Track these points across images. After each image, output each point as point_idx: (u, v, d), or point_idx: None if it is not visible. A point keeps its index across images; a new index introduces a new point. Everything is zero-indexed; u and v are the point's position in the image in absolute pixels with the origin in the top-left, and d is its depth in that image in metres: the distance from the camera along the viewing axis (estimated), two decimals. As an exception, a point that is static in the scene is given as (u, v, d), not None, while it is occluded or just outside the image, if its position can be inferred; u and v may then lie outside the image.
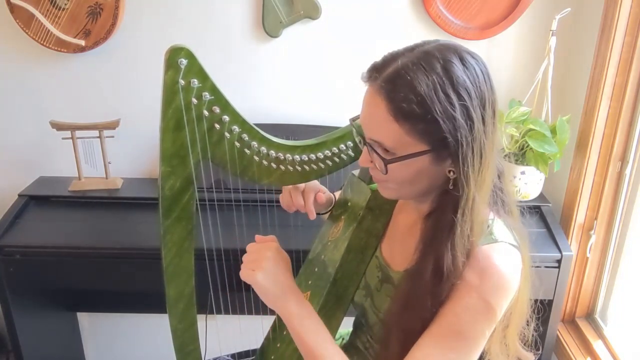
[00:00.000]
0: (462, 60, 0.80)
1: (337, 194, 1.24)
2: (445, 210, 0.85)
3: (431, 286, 0.84)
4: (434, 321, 0.85)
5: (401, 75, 0.79)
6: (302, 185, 1.15)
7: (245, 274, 0.93)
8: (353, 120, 0.93)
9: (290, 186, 1.15)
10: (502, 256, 0.85)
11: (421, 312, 0.86)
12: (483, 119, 0.81)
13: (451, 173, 0.84)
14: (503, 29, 1.60)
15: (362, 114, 0.86)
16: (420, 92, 0.78)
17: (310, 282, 1.12)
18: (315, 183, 1.15)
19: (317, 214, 1.22)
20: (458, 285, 0.84)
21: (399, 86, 0.79)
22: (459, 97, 0.79)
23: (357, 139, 0.97)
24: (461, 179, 0.82)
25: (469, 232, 0.83)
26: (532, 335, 1.01)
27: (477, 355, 0.87)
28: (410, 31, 1.66)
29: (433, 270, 0.84)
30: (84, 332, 2.06)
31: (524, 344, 1.02)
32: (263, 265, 0.91)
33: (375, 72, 0.83)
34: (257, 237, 0.99)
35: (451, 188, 0.85)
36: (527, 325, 0.99)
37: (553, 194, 1.70)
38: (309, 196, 1.12)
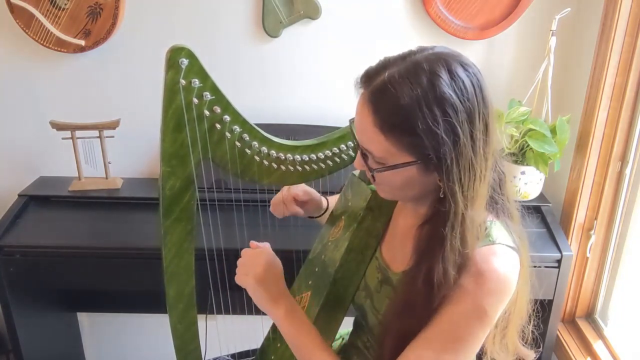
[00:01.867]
0: (451, 74, 0.78)
1: (332, 198, 1.24)
2: (437, 223, 0.85)
3: (423, 294, 0.84)
4: (429, 324, 0.85)
5: (387, 88, 0.79)
6: (285, 188, 1.16)
7: (238, 279, 0.98)
8: (352, 121, 0.93)
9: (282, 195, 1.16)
10: (499, 258, 0.85)
11: (415, 317, 0.86)
12: (471, 134, 0.80)
13: (441, 182, 0.84)
14: (503, 29, 1.60)
15: (355, 120, 0.87)
16: (404, 106, 0.77)
17: (310, 282, 1.12)
18: (299, 186, 1.17)
19: (310, 217, 1.23)
20: (454, 287, 0.84)
21: (384, 99, 0.79)
22: (444, 113, 0.77)
23: (354, 142, 0.97)
24: (447, 194, 0.82)
25: (459, 246, 0.83)
26: (532, 333, 1.02)
27: (472, 358, 0.87)
28: (410, 31, 1.66)
29: (424, 280, 0.84)
30: (84, 332, 2.06)
31: (524, 343, 1.02)
32: (256, 270, 0.96)
33: (367, 80, 0.83)
34: (252, 243, 1.02)
35: (442, 197, 0.84)
36: (528, 324, 1.00)
37: (553, 194, 1.70)
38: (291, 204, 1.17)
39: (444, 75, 0.78)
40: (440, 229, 0.83)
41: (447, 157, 0.79)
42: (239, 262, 0.99)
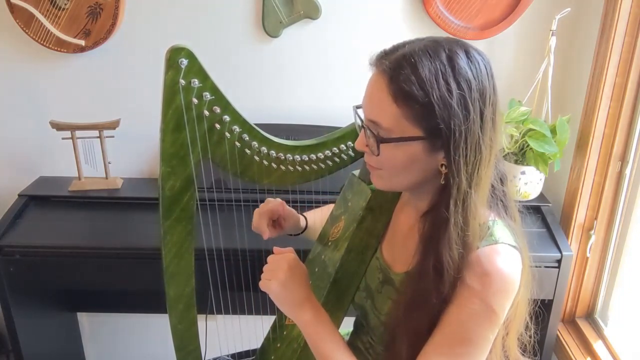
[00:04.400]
0: (468, 54, 0.82)
1: (312, 213, 1.24)
2: (440, 207, 0.85)
3: (434, 283, 0.85)
4: (438, 329, 0.86)
5: (407, 58, 0.81)
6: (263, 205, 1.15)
7: (262, 284, 0.97)
8: (357, 107, 0.94)
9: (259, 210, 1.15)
10: (502, 257, 0.85)
11: (426, 311, 0.86)
12: (482, 113, 0.82)
13: (443, 167, 0.84)
14: (503, 29, 1.60)
15: (364, 95, 0.88)
16: (422, 76, 0.79)
17: (310, 283, 1.12)
18: (274, 205, 1.16)
19: (290, 235, 1.22)
20: (460, 289, 0.84)
21: (402, 67, 0.81)
22: (459, 86, 0.80)
23: (356, 125, 0.97)
24: (452, 169, 0.82)
25: (461, 222, 0.83)
26: (530, 340, 1.01)
27: None
28: (410, 31, 1.65)
29: (434, 267, 0.84)
30: (84, 332, 2.06)
31: (523, 350, 1.02)
32: (279, 275, 0.94)
33: (383, 56, 0.85)
34: (275, 248, 1.01)
35: (443, 183, 0.85)
36: (526, 330, 0.99)
37: (553, 194, 1.70)
38: (262, 219, 1.14)
39: (462, 55, 0.82)
40: (442, 210, 0.84)
41: (457, 130, 0.80)
42: (264, 268, 0.98)
